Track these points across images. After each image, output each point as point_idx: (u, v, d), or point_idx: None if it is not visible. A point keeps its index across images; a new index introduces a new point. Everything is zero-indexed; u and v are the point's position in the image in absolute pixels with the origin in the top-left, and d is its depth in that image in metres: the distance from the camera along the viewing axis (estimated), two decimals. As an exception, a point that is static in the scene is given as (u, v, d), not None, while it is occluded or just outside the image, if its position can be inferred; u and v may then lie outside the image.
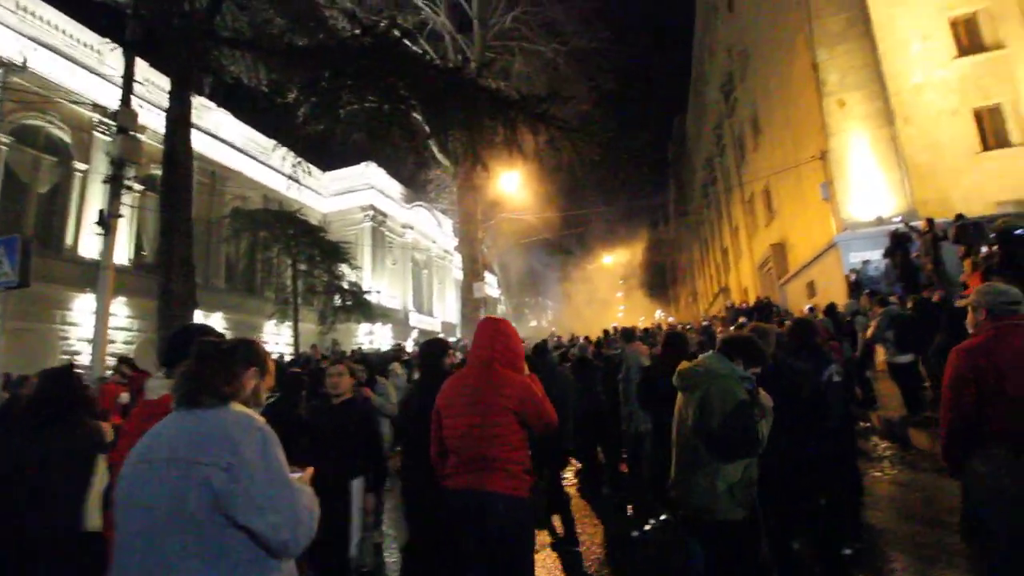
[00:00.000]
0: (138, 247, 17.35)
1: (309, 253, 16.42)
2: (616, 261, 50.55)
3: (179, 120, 9.29)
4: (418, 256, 31.82)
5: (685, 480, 2.44)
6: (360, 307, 17.61)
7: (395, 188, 29.03)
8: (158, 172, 11.43)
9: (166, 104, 9.16)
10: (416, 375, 6.68)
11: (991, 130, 15.47)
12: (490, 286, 38.51)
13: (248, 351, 1.55)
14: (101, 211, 8.81)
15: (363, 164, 25.97)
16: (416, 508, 2.83)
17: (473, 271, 20.17)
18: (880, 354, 7.56)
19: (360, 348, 15.87)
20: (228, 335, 1.83)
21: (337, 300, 17.05)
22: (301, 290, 16.64)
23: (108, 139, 11.41)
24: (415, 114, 10.03)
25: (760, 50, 19.49)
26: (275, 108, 10.89)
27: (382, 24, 7.11)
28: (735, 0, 22.29)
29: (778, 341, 4.82)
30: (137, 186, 15.64)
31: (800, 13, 14.98)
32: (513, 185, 19.14)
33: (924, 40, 16.19)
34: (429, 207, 31.03)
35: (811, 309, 8.42)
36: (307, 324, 19.09)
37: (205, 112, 18.97)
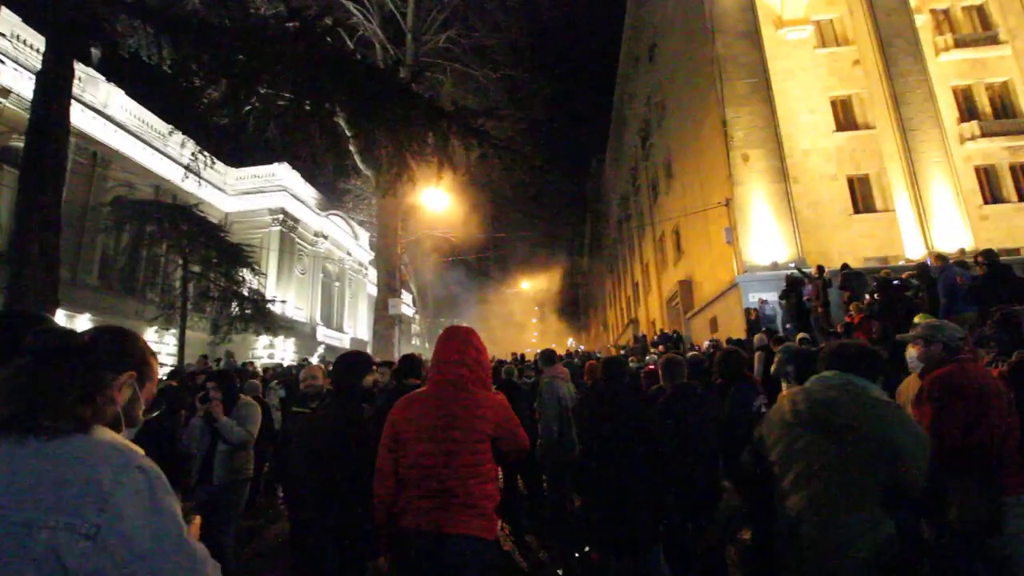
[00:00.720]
0: (-15, 231, 14.66)
1: (204, 254, 14.74)
2: (533, 288, 51.52)
3: (54, 86, 7.99)
4: (330, 267, 30.09)
5: (835, 550, 1.75)
6: (261, 317, 16.05)
7: (309, 193, 27.41)
8: (21, 144, 9.78)
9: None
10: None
11: (861, 196, 17.85)
12: (406, 304, 37.36)
13: (119, 345, 1.06)
14: (-68, 180, 7.26)
15: (276, 164, 24.25)
16: (313, 555, 2.34)
17: (389, 287, 19.36)
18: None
19: (253, 362, 14.43)
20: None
21: (235, 308, 15.40)
22: (192, 294, 14.85)
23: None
24: (337, 118, 9.47)
25: (676, 101, 21.07)
26: (178, 92, 9.78)
27: (312, 11, 6.59)
28: (656, 53, 24.06)
29: (702, 370, 4.88)
30: (-10, 158, 13.30)
31: (713, 73, 16.41)
32: (436, 202, 18.79)
33: (811, 113, 18.51)
34: (345, 216, 29.64)
35: (733, 341, 8.76)
36: (197, 333, 17.09)
37: (91, 84, 16.70)
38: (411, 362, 3.43)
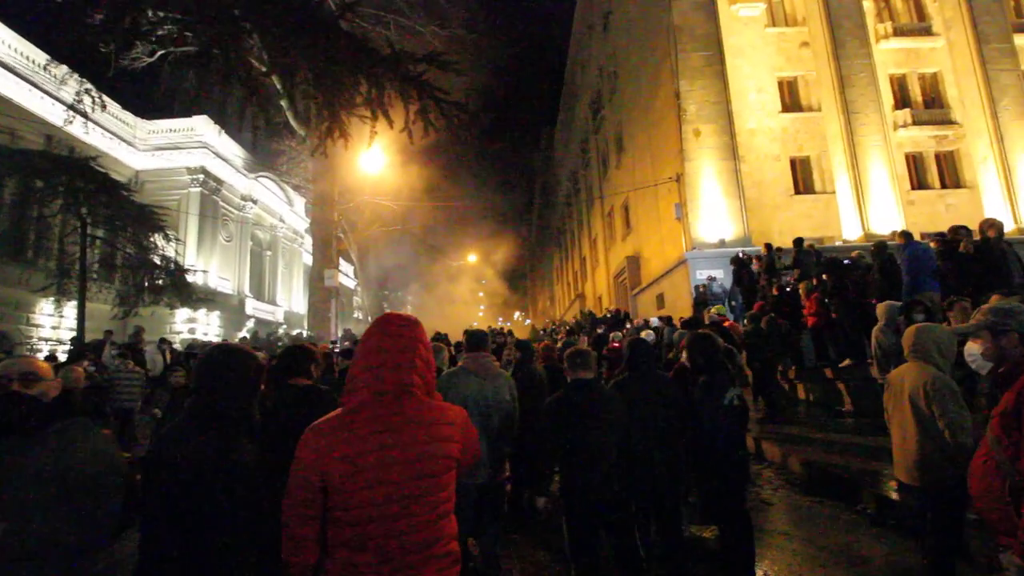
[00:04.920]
0: None
1: (106, 215, 12.92)
2: (479, 261, 50.73)
3: None
4: (261, 235, 27.90)
5: None
6: (176, 288, 14.43)
7: (235, 152, 24.92)
8: None
9: None
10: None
11: (802, 177, 18.27)
12: (347, 275, 35.60)
13: None
14: None
15: (195, 118, 21.73)
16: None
17: (326, 256, 18.08)
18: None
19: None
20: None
21: (143, 278, 13.70)
22: (91, 261, 13.06)
23: None
24: (251, 57, 8.17)
25: (628, 73, 20.61)
26: (53, 14, 8.13)
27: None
28: (610, 22, 23.40)
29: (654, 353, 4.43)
30: None
31: (667, 44, 16.00)
32: (376, 165, 17.54)
33: (758, 92, 18.59)
34: (277, 180, 27.44)
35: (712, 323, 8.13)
36: (101, 305, 15.19)
37: (-45, 10, 14.01)
38: (298, 356, 2.45)
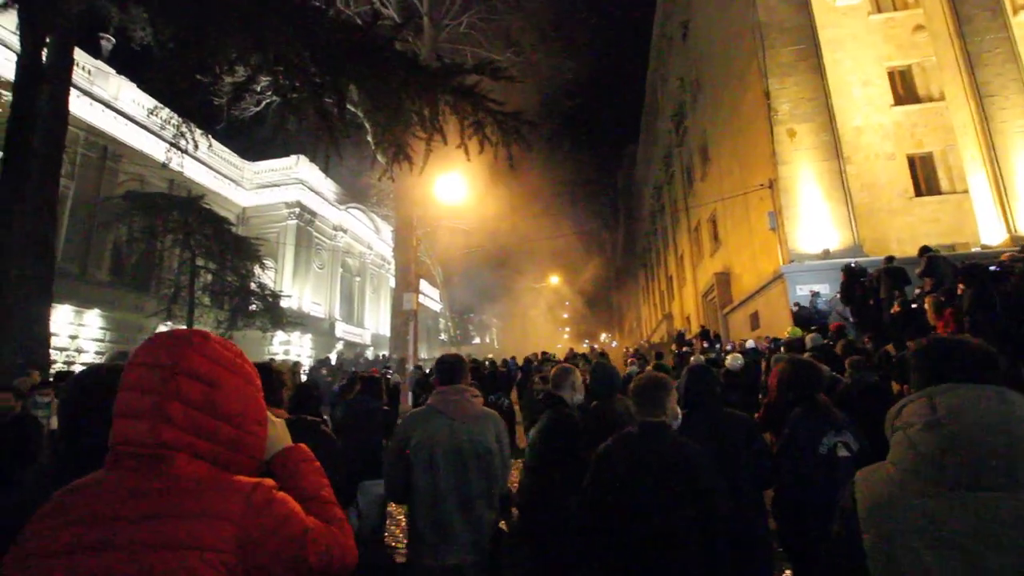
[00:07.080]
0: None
1: (208, 246, 14.23)
2: (564, 283, 50.25)
3: (39, 73, 7.55)
4: (351, 262, 29.62)
5: None
6: (270, 312, 15.47)
7: (328, 186, 26.91)
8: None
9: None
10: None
11: (923, 177, 15.88)
12: (432, 299, 36.74)
13: None
14: None
15: (292, 157, 23.79)
16: None
17: (406, 280, 18.64)
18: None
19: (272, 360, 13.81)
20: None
21: (237, 303, 14.86)
22: (197, 288, 14.40)
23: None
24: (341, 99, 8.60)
25: (712, 79, 19.45)
26: (184, 78, 9.19)
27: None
28: (690, 29, 22.39)
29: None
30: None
31: (754, 42, 14.81)
32: (455, 190, 17.85)
33: (864, 86, 16.58)
34: (366, 209, 29.10)
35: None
36: (204, 328, 16.73)
37: (100, 78, 16.42)
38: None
